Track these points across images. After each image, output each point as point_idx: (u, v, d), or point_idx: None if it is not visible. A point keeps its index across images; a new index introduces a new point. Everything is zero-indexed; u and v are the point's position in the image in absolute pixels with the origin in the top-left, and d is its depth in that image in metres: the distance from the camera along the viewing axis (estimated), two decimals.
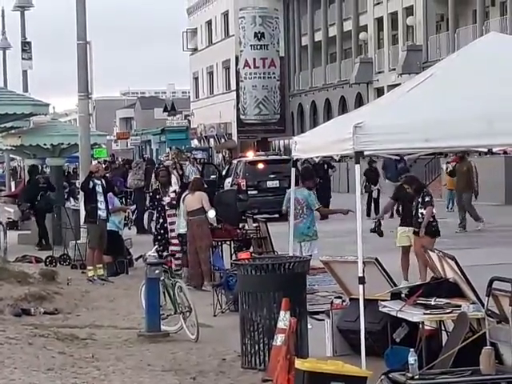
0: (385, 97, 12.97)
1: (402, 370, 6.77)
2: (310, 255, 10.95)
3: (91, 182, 15.14)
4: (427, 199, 12.49)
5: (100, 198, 15.09)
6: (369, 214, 24.63)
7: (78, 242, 17.18)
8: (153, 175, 21.18)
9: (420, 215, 12.47)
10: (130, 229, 21.44)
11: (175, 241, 14.91)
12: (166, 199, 15.46)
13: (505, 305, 6.73)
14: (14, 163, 49.23)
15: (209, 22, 71.44)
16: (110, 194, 16.25)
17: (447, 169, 24.18)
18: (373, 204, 26.13)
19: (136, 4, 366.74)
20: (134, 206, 21.73)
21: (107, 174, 21.63)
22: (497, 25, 39.42)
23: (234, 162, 31.04)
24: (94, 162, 27.75)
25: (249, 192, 25.34)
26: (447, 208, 26.12)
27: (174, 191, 15.50)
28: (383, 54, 51.54)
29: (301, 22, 61.20)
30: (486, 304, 6.95)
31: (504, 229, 21.41)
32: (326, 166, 28.81)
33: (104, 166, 29.58)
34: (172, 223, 15.09)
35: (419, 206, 12.49)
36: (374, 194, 26.58)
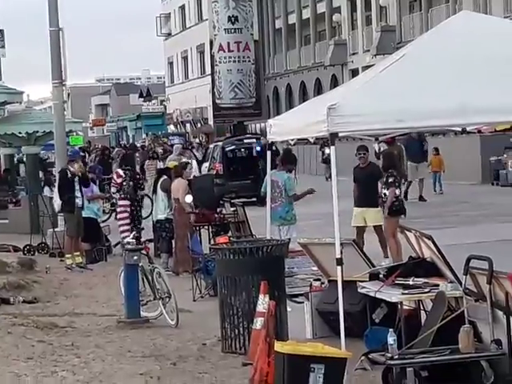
0: (358, 78, 12.97)
1: (382, 351, 6.91)
2: (289, 239, 10.99)
3: (68, 172, 15.20)
4: (391, 180, 12.67)
5: (76, 186, 15.13)
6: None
7: (55, 230, 17.12)
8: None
9: (383, 195, 12.63)
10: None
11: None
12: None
13: (482, 283, 6.79)
14: None
15: (182, 7, 71.25)
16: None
17: (379, 149, 24.13)
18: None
19: None
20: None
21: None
22: (470, 4, 39.59)
23: (211, 146, 31.02)
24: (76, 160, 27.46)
25: (226, 176, 25.33)
26: (434, 190, 26.13)
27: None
28: (357, 35, 51.66)
29: (274, 4, 61.27)
30: (463, 283, 7.03)
31: (480, 208, 21.69)
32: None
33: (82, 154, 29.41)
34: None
35: (383, 186, 12.63)
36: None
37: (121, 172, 16.85)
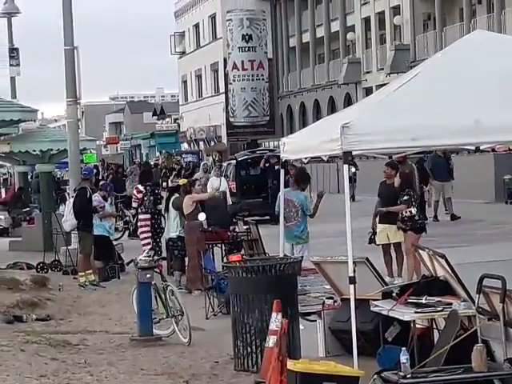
0: (372, 96, 13.01)
1: (395, 369, 6.77)
2: (302, 257, 11.00)
3: (87, 191, 15.52)
4: (406, 198, 12.67)
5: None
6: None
7: (68, 247, 17.20)
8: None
9: (401, 214, 12.64)
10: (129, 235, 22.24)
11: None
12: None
13: (495, 302, 6.70)
14: (3, 170, 49.38)
15: (196, 25, 71.62)
16: (101, 199, 16.43)
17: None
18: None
19: (123, 8, 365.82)
20: (134, 211, 22.15)
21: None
22: (484, 23, 39.59)
23: (225, 164, 31.16)
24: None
25: (240, 194, 25.43)
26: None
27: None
28: (371, 53, 51.70)
29: (288, 23, 61.43)
30: (476, 301, 6.95)
31: (494, 226, 21.53)
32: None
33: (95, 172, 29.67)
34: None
35: (399, 204, 12.66)
36: (426, 196, 24.34)
37: (141, 187, 17.13)
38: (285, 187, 11.36)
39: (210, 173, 25.99)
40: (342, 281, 8.19)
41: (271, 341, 7.44)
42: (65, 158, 21.96)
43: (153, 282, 10.45)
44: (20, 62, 38.23)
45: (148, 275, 10.36)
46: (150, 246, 15.19)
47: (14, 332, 11.12)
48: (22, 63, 38.38)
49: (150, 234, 16.05)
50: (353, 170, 32.23)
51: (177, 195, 14.77)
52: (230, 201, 22.92)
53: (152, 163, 50.77)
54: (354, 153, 7.33)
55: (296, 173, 13.37)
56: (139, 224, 17.01)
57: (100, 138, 79.77)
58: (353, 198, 32.71)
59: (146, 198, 16.25)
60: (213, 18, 66.80)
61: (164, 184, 24.61)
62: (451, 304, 7.36)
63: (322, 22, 56.06)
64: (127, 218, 24.13)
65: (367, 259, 8.74)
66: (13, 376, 8.25)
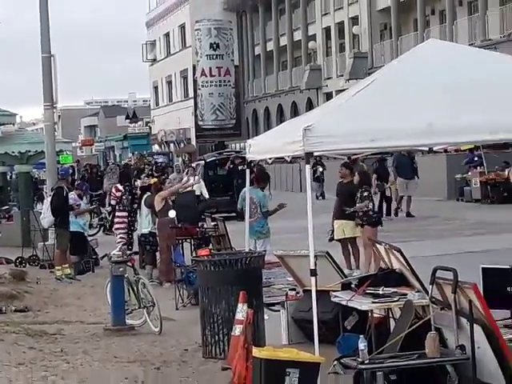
0: (332, 101, 13.04)
1: (353, 356, 6.83)
2: (264, 251, 11.06)
3: (64, 190, 15.57)
4: (365, 194, 12.81)
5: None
6: (383, 214, 22.68)
7: (46, 243, 17.21)
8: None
9: (358, 210, 12.78)
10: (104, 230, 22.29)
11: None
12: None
13: (447, 292, 6.80)
14: None
15: (167, 35, 71.96)
16: (77, 197, 16.60)
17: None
18: (385, 203, 24.31)
19: (97, 18, 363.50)
20: (110, 208, 22.10)
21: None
22: (436, 32, 40.10)
23: (193, 165, 31.24)
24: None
25: (208, 193, 25.56)
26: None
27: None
28: (331, 61, 52.11)
29: (254, 32, 62.14)
30: (430, 292, 6.99)
31: (446, 222, 21.89)
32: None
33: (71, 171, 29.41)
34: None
35: (358, 200, 12.74)
36: (388, 193, 25.08)
37: (120, 187, 17.43)
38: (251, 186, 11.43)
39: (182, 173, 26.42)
40: (304, 273, 8.18)
41: (237, 330, 7.42)
42: (42, 159, 21.76)
43: (125, 275, 10.49)
44: None
45: (121, 269, 10.37)
46: (124, 241, 15.31)
47: None
48: (2, 68, 37.58)
49: (125, 231, 16.12)
50: (320, 169, 32.41)
51: (149, 193, 14.77)
52: (207, 195, 23.40)
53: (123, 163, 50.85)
54: (315, 153, 7.29)
55: (256, 172, 13.45)
56: (116, 220, 16.99)
57: (76, 140, 79.44)
58: (322, 196, 32.76)
59: (124, 197, 16.34)
60: (182, 27, 67.12)
61: (136, 183, 24.53)
62: (406, 294, 7.41)
63: (285, 32, 56.66)
64: (103, 215, 24.06)
65: (327, 253, 8.80)
66: None
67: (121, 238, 15.81)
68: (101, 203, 27.01)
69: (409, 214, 23.91)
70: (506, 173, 26.82)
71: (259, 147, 9.28)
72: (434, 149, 10.60)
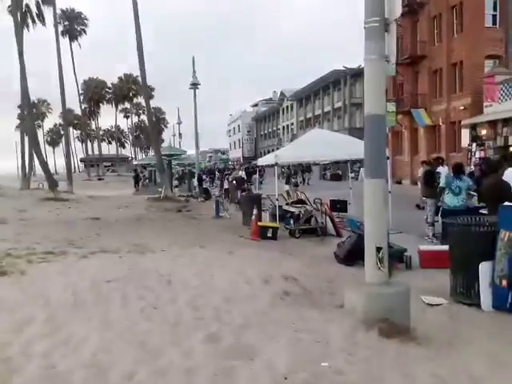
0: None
1: (290, 225, 11.96)
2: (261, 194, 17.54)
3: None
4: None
5: None
6: None
7: (195, 191, 23.56)
8: None
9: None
10: None
11: None
12: None
13: (319, 206, 12.98)
14: None
15: None
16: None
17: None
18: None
19: None
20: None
21: None
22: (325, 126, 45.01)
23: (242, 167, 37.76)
24: None
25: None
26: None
27: None
28: None
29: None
30: (314, 206, 12.75)
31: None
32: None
33: None
34: None
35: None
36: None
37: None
38: None
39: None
40: (281, 201, 14.64)
41: (253, 216, 11.54)
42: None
43: (220, 200, 16.72)
44: None
45: (218, 197, 16.50)
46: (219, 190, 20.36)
47: (181, 214, 16.33)
48: None
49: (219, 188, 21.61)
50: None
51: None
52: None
53: None
54: (278, 163, 13.68)
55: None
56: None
57: None
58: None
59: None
60: None
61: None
62: (306, 206, 12.99)
63: None
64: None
65: (287, 191, 15.37)
66: None
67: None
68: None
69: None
70: None
71: (264, 158, 15.39)
72: (316, 162, 16.60)
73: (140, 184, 33.47)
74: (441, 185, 9.65)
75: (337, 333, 4.33)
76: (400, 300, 4.66)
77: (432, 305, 5.74)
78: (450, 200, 9.19)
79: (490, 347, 4.36)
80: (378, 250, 4.76)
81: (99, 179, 55.87)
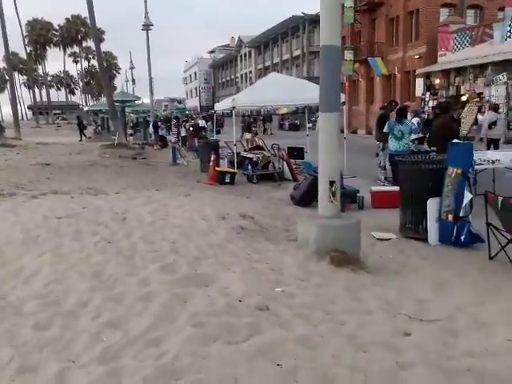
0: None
1: (247, 171, 12.38)
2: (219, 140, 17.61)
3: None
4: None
5: None
6: None
7: (151, 138, 23.09)
8: None
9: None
10: None
11: None
12: None
13: (277, 152, 13.34)
14: None
15: None
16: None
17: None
18: None
19: None
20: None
21: None
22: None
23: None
24: None
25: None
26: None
27: None
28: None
29: None
30: (271, 152, 12.94)
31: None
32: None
33: None
34: None
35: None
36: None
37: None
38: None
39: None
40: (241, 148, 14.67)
41: (211, 162, 11.80)
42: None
43: (176, 147, 16.55)
44: None
45: (175, 144, 16.55)
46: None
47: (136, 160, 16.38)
48: None
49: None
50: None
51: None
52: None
53: None
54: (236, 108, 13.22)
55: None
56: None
57: None
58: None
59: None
60: None
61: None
62: (264, 152, 13.18)
63: None
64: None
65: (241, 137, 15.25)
66: None
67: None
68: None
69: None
70: None
71: (222, 104, 14.80)
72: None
73: (89, 132, 32.30)
74: (384, 130, 9.86)
75: (290, 262, 4.46)
76: (351, 231, 4.82)
77: (382, 239, 5.97)
78: (392, 144, 9.46)
79: (433, 274, 4.61)
80: (331, 183, 4.85)
81: (58, 127, 53.61)
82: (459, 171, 5.80)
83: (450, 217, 5.87)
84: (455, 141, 6.31)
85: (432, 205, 5.97)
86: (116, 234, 5.32)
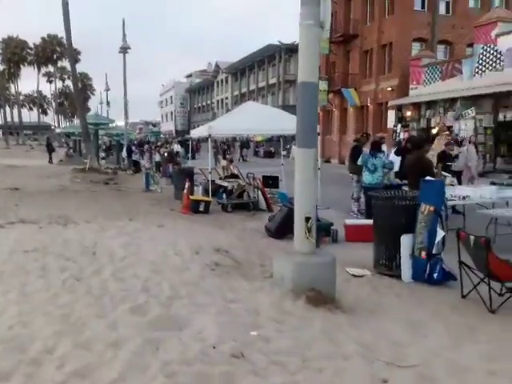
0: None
1: (222, 200, 11.85)
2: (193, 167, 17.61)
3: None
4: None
5: None
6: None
7: (124, 163, 22.68)
8: None
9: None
10: None
11: None
12: None
13: (252, 181, 13.06)
14: None
15: None
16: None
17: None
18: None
19: None
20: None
21: None
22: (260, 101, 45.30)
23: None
24: None
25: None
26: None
27: None
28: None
29: None
30: (246, 180, 12.79)
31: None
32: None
33: None
34: None
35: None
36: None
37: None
38: None
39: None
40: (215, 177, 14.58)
41: (185, 190, 11.51)
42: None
43: (150, 173, 16.43)
44: None
45: (148, 170, 16.41)
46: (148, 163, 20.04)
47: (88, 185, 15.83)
48: None
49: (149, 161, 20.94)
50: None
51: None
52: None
53: None
54: (211, 136, 13.33)
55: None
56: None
57: None
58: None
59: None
60: None
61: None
62: (239, 180, 13.13)
63: None
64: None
65: (214, 169, 15.18)
66: None
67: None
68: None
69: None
70: None
71: (198, 131, 14.84)
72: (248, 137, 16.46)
73: (61, 155, 31.79)
74: (358, 162, 9.98)
75: (266, 302, 4.39)
76: (326, 269, 4.79)
77: (356, 276, 5.96)
78: (366, 177, 9.57)
79: (408, 314, 4.60)
80: (307, 219, 4.83)
81: (31, 148, 52.63)
82: (432, 208, 5.86)
83: (423, 254, 5.92)
84: (428, 178, 6.39)
85: (405, 241, 6.01)
86: (85, 270, 5.15)
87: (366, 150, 10.69)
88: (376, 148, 9.76)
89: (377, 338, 3.92)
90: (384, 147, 11.65)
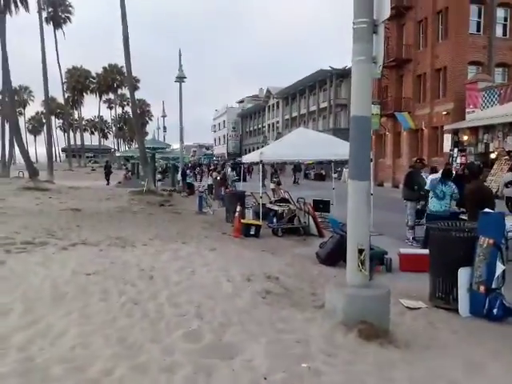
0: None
1: (273, 223, 11.85)
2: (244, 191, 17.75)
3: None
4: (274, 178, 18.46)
5: None
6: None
7: (178, 185, 23.44)
8: None
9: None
10: None
11: None
12: None
13: (302, 206, 12.53)
14: None
15: None
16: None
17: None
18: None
19: None
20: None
21: None
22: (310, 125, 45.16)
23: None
24: None
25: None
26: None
27: None
28: None
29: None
30: (297, 205, 12.83)
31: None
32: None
33: None
34: None
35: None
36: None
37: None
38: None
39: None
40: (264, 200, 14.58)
41: (237, 213, 11.72)
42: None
43: (203, 196, 16.74)
44: None
45: (202, 193, 16.61)
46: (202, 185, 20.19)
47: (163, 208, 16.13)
48: None
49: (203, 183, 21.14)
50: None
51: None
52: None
53: None
54: (263, 161, 13.33)
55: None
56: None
57: None
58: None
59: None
60: None
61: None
62: (290, 204, 13.16)
63: None
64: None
65: (265, 193, 15.24)
66: None
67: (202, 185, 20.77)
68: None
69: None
70: None
71: (251, 155, 15.10)
72: (300, 161, 16.71)
73: (119, 177, 33.00)
74: (426, 187, 9.72)
75: (317, 333, 4.35)
76: (380, 303, 4.69)
77: (411, 308, 5.79)
78: (432, 205, 9.28)
79: (465, 352, 4.41)
80: (360, 251, 4.78)
81: (92, 170, 55.07)
82: (491, 241, 5.65)
83: (482, 288, 5.68)
84: (486, 210, 6.18)
85: (463, 274, 5.80)
86: (142, 293, 5.31)
87: (427, 174, 10.46)
88: (447, 175, 9.47)
89: (432, 376, 3.79)
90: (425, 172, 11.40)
